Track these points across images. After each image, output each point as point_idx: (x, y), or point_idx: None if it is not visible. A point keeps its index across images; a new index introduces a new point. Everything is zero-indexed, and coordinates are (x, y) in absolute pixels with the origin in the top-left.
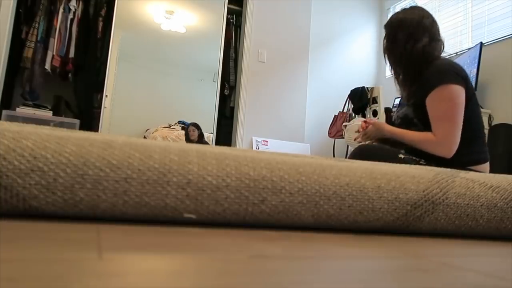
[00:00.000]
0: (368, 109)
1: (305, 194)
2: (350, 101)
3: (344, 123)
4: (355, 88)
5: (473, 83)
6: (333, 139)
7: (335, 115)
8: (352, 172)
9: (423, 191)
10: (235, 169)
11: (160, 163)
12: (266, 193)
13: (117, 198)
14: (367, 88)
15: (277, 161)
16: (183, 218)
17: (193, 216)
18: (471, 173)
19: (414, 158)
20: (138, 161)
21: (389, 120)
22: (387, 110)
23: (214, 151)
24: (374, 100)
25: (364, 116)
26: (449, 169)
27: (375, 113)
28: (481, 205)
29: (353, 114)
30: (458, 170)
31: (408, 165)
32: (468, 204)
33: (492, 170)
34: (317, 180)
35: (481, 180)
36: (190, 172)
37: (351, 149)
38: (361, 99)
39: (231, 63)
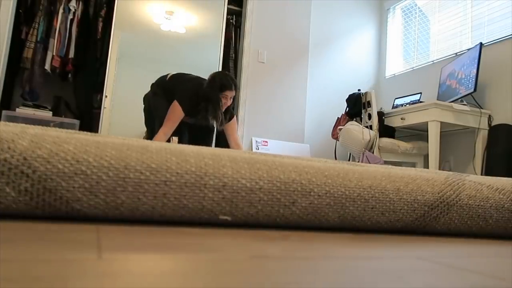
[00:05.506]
0: (364, 112)
1: (332, 196)
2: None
3: (339, 127)
4: (352, 94)
5: (473, 84)
6: (335, 140)
7: (338, 117)
8: (373, 175)
9: (438, 193)
10: (267, 172)
11: (196, 167)
12: (296, 195)
13: (157, 201)
14: (362, 93)
15: (303, 165)
16: (217, 220)
17: (228, 218)
18: (475, 176)
19: None
20: (176, 165)
21: (381, 123)
22: (380, 114)
23: (243, 155)
24: (369, 104)
25: (360, 119)
26: (455, 172)
27: (370, 117)
28: (490, 206)
29: (347, 118)
30: (464, 174)
31: (420, 169)
32: (479, 205)
33: (492, 170)
34: (342, 183)
35: (487, 183)
36: (225, 175)
37: (347, 152)
38: (355, 104)
39: (231, 64)
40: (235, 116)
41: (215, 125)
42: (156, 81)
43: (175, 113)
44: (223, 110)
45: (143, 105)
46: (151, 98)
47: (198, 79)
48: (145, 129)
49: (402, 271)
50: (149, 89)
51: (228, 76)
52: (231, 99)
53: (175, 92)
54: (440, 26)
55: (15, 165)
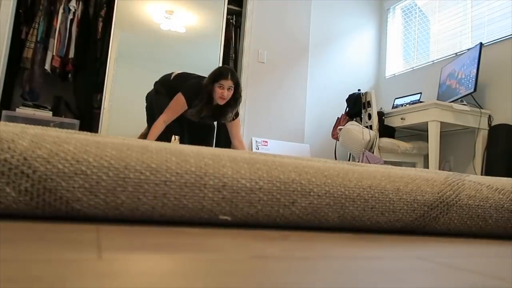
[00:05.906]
0: (364, 112)
1: (331, 196)
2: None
3: (339, 127)
4: (352, 94)
5: (473, 84)
6: (335, 140)
7: (338, 117)
8: (372, 175)
9: (438, 193)
10: (266, 172)
11: (196, 167)
12: (296, 195)
13: (157, 201)
14: (362, 93)
15: (303, 165)
16: (217, 220)
17: (228, 218)
18: (475, 176)
19: None
20: (176, 165)
21: (381, 123)
22: (380, 114)
23: (243, 155)
24: (369, 104)
25: (361, 119)
26: (455, 172)
27: (370, 117)
28: (490, 206)
29: (347, 118)
30: (464, 174)
31: (419, 169)
32: (478, 205)
33: (492, 170)
34: (341, 183)
35: (487, 183)
36: (225, 175)
37: (347, 152)
38: (355, 104)
39: (231, 64)
40: (239, 115)
41: (215, 124)
42: (160, 79)
43: (178, 103)
44: (223, 102)
45: (145, 103)
46: (153, 97)
47: (202, 77)
48: (144, 128)
49: (402, 271)
50: (151, 87)
51: (226, 67)
52: (231, 90)
53: (179, 90)
54: (440, 26)
55: (15, 165)
